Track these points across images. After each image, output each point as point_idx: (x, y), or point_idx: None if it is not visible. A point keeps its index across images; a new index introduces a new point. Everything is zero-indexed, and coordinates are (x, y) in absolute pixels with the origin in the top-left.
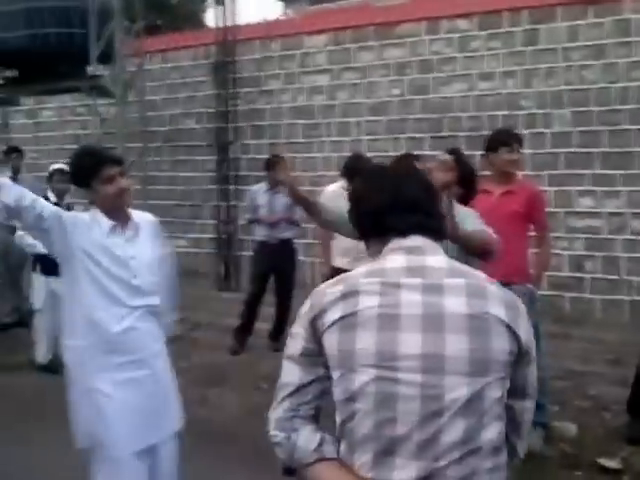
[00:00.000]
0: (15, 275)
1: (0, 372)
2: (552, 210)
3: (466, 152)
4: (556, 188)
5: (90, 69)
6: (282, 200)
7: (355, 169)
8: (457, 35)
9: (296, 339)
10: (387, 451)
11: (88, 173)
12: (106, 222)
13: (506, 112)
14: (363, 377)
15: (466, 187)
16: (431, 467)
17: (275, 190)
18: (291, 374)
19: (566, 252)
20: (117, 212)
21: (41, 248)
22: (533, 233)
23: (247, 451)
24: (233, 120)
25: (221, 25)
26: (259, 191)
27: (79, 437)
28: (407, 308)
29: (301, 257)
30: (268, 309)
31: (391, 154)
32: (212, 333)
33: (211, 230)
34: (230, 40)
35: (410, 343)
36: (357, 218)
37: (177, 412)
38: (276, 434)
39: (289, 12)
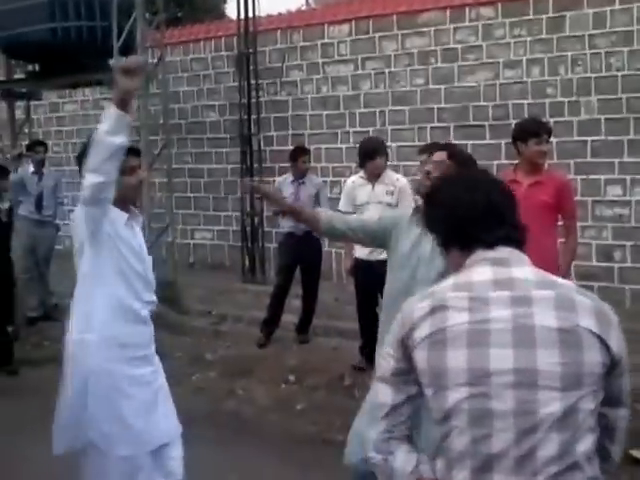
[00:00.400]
0: (42, 269)
1: (27, 366)
2: (580, 199)
3: (491, 141)
4: (584, 177)
5: (112, 62)
6: (307, 191)
7: (372, 151)
8: (481, 23)
9: (387, 359)
10: (485, 467)
11: None
12: (121, 214)
13: (532, 100)
14: (456, 395)
15: None
16: None
17: (300, 181)
18: (384, 395)
19: (594, 241)
20: (128, 205)
21: None
22: (560, 223)
23: (274, 443)
24: (256, 111)
25: (242, 16)
26: (284, 182)
27: (63, 441)
28: (497, 323)
29: (326, 248)
30: (294, 301)
31: (416, 144)
32: (238, 326)
33: (236, 222)
34: (252, 31)
35: (502, 359)
36: (440, 226)
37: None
38: (373, 456)
39: (311, 2)
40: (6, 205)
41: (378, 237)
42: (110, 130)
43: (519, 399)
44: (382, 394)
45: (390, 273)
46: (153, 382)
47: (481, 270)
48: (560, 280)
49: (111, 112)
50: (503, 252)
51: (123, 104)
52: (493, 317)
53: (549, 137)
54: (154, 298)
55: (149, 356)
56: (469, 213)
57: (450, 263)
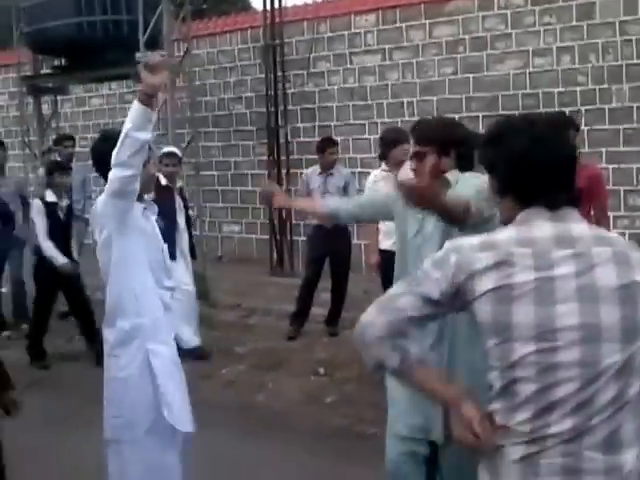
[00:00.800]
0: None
1: (60, 360)
2: (611, 188)
3: None
4: (615, 165)
5: (138, 55)
6: (335, 183)
7: (394, 139)
8: (510, 11)
9: (433, 283)
10: (546, 410)
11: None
12: (138, 205)
13: (562, 89)
14: (523, 349)
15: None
16: (585, 424)
17: (328, 173)
18: (409, 304)
19: (627, 231)
20: (143, 196)
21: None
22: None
23: (305, 436)
24: (283, 103)
25: (268, 7)
26: (312, 174)
27: (117, 427)
28: (561, 281)
29: (355, 240)
30: (323, 294)
31: None
32: (267, 319)
33: (264, 215)
34: (278, 22)
35: (568, 315)
36: (502, 173)
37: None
38: (381, 338)
39: None
40: (65, 203)
41: (388, 206)
42: (135, 126)
43: (584, 352)
44: (407, 302)
45: (398, 256)
46: (176, 365)
47: (541, 225)
48: (615, 236)
49: (136, 108)
50: (560, 208)
51: (148, 100)
52: (557, 275)
53: (577, 131)
54: (173, 284)
55: (169, 341)
56: (536, 169)
57: (502, 210)
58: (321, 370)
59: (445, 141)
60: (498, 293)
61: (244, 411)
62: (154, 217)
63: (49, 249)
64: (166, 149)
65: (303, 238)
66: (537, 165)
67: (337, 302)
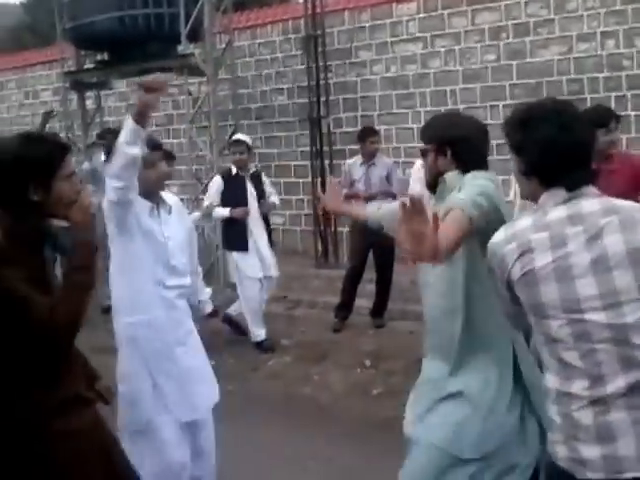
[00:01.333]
0: None
1: (103, 353)
2: None
3: None
4: None
5: (180, 48)
6: (378, 172)
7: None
8: None
9: (501, 299)
10: (595, 373)
11: None
12: (145, 204)
13: (607, 74)
14: (556, 323)
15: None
16: (635, 377)
17: (370, 163)
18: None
19: None
20: (155, 195)
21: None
22: None
23: (351, 428)
24: (324, 94)
25: None
26: (354, 165)
27: (124, 419)
28: (576, 257)
29: None
30: (369, 286)
31: (488, 123)
32: (313, 311)
33: (307, 206)
34: (319, 12)
35: (587, 287)
36: (529, 156)
37: (213, 387)
38: None
39: None
40: None
41: None
42: (126, 141)
43: (609, 315)
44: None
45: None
46: (183, 361)
47: (556, 209)
48: (624, 203)
49: (128, 124)
50: (578, 188)
51: (140, 118)
52: (572, 251)
53: (618, 124)
54: (182, 282)
55: (180, 337)
56: (561, 154)
57: (527, 190)
58: (367, 362)
59: (441, 140)
60: (526, 278)
61: (290, 403)
62: (168, 214)
63: None
64: (234, 137)
65: (347, 229)
66: (562, 150)
67: (382, 294)
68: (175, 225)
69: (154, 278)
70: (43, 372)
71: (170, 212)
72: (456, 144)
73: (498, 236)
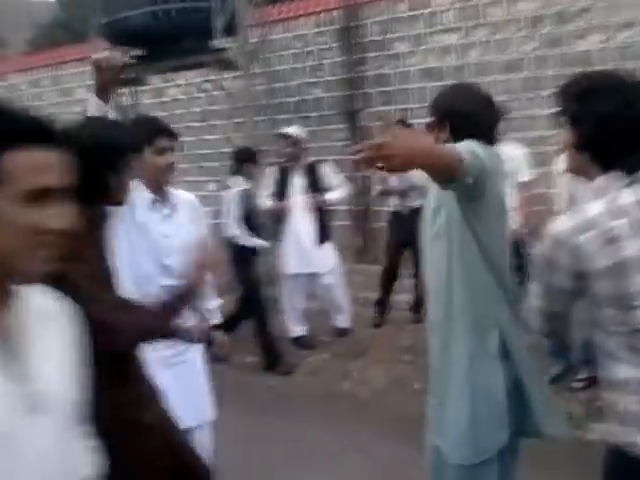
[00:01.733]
0: None
1: None
2: None
3: None
4: None
5: (215, 43)
6: None
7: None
8: None
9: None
10: None
11: (142, 141)
12: (147, 195)
13: None
14: None
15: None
16: None
17: None
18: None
19: None
20: (159, 187)
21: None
22: None
23: (392, 424)
24: (361, 86)
25: None
26: None
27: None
28: None
29: None
30: (408, 281)
31: (529, 113)
32: (353, 306)
33: (346, 202)
34: (354, 4)
35: None
36: (585, 129)
37: (209, 401)
38: None
39: None
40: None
41: None
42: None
43: None
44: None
45: None
46: (174, 365)
47: (623, 193)
48: None
49: (90, 100)
50: (638, 172)
51: (102, 94)
52: None
53: None
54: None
55: (173, 345)
56: (620, 131)
57: (574, 164)
58: (407, 357)
59: (441, 114)
60: (614, 268)
61: (329, 399)
62: (162, 211)
63: None
64: (280, 131)
65: (383, 224)
66: (621, 126)
67: (421, 288)
68: (179, 224)
69: (147, 275)
70: (116, 369)
71: (176, 210)
72: (454, 117)
73: (564, 224)
